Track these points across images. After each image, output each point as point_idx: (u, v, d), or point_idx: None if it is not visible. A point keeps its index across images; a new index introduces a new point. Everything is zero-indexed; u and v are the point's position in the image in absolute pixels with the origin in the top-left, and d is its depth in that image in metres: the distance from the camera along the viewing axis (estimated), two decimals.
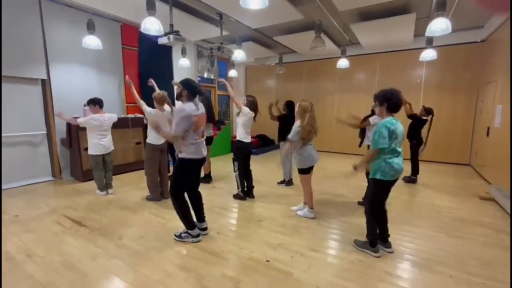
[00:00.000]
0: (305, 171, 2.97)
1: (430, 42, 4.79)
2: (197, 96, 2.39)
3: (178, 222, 2.87)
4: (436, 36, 4.12)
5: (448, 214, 3.20)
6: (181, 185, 2.44)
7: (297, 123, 2.91)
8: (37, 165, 4.43)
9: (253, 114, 3.53)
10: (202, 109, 2.42)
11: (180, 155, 2.38)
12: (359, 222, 2.90)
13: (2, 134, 3.97)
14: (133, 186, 4.22)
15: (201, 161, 2.48)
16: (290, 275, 1.99)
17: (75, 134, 4.33)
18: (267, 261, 2.16)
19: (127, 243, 2.45)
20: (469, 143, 6.07)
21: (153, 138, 3.45)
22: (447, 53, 5.92)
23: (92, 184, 3.95)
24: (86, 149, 4.41)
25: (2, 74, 3.89)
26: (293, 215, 3.13)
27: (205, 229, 2.62)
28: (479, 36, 5.59)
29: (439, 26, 3.19)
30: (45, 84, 4.39)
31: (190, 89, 2.32)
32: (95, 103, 3.64)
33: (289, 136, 2.90)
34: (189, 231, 2.47)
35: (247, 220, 3.00)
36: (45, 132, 4.48)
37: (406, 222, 2.94)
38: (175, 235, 2.52)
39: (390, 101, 2.14)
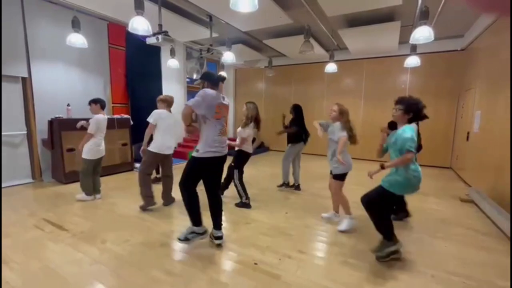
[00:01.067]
0: (341, 177, 2.81)
1: (414, 49, 4.96)
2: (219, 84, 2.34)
3: (166, 226, 2.84)
4: (419, 44, 4.27)
5: (430, 216, 3.30)
6: (191, 179, 2.34)
7: (338, 123, 2.81)
8: (16, 167, 4.24)
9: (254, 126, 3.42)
10: (227, 100, 2.38)
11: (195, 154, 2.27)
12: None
13: None
14: (118, 189, 4.11)
15: (220, 159, 2.34)
16: (278, 277, 1.99)
17: (57, 135, 4.18)
18: (255, 264, 2.16)
19: (110, 247, 2.38)
20: (451, 147, 6.31)
21: (157, 146, 3.24)
22: (430, 60, 6.15)
23: (74, 187, 3.82)
24: (69, 150, 4.28)
25: None
26: (281, 217, 3.14)
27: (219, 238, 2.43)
28: (459, 45, 5.85)
29: (422, 34, 3.31)
30: (26, 83, 4.22)
31: (209, 79, 2.31)
32: (96, 102, 3.46)
33: (341, 134, 2.73)
34: (195, 229, 2.42)
35: (235, 223, 2.99)
36: (25, 132, 4.30)
37: None
38: (179, 238, 2.43)
39: (419, 113, 2.11)
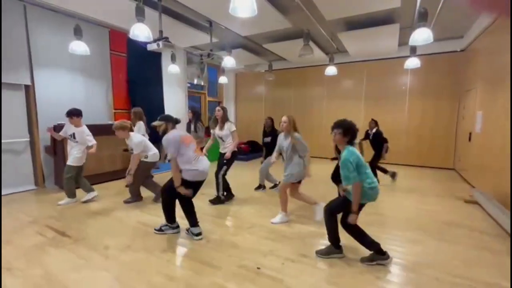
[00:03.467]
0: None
1: (413, 51, 4.98)
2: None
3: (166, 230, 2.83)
4: (419, 45, 4.28)
5: (434, 218, 3.27)
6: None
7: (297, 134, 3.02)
8: (19, 174, 4.26)
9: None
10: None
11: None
12: None
13: None
14: (120, 195, 4.11)
15: None
16: (281, 282, 1.97)
17: (60, 141, 4.20)
18: (258, 268, 2.15)
19: (113, 253, 2.37)
20: (453, 148, 6.28)
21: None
22: (430, 62, 6.16)
23: (77, 193, 3.82)
24: None
25: None
26: (283, 221, 3.12)
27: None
28: (459, 46, 5.86)
29: (421, 35, 3.33)
30: (29, 90, 4.27)
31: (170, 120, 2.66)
32: (79, 114, 3.65)
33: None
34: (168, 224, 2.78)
35: (237, 227, 2.98)
36: (28, 139, 4.33)
37: (393, 227, 2.99)
38: (155, 229, 2.79)
39: (354, 134, 2.18)
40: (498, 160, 3.66)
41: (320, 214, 2.95)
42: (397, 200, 3.99)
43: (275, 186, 4.44)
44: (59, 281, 1.97)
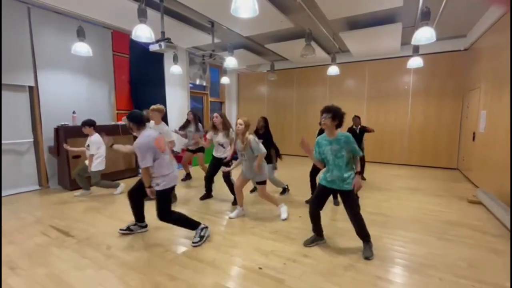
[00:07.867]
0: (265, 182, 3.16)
1: (416, 50, 4.94)
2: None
3: (168, 231, 2.84)
4: (422, 45, 4.26)
5: (437, 218, 3.25)
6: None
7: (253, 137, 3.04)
8: (23, 174, 4.30)
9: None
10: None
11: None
12: (350, 227, 2.92)
13: None
14: (123, 195, 4.13)
15: None
16: (282, 282, 1.97)
17: (63, 142, 4.23)
18: (260, 268, 2.14)
19: (115, 253, 2.39)
20: (457, 147, 6.22)
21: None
22: (433, 61, 6.12)
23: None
24: (75, 157, 4.35)
25: None
26: (284, 222, 3.12)
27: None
28: (462, 45, 5.81)
29: (424, 35, 3.30)
30: (33, 91, 4.30)
31: (135, 120, 2.42)
32: (92, 125, 3.87)
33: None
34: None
35: (239, 228, 2.98)
36: (32, 140, 4.37)
37: (396, 226, 2.98)
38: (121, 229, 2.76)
39: (342, 119, 2.29)
40: (502, 160, 3.63)
41: (236, 214, 3.24)
42: (400, 200, 3.97)
43: (284, 190, 4.22)
44: (63, 280, 1.99)
